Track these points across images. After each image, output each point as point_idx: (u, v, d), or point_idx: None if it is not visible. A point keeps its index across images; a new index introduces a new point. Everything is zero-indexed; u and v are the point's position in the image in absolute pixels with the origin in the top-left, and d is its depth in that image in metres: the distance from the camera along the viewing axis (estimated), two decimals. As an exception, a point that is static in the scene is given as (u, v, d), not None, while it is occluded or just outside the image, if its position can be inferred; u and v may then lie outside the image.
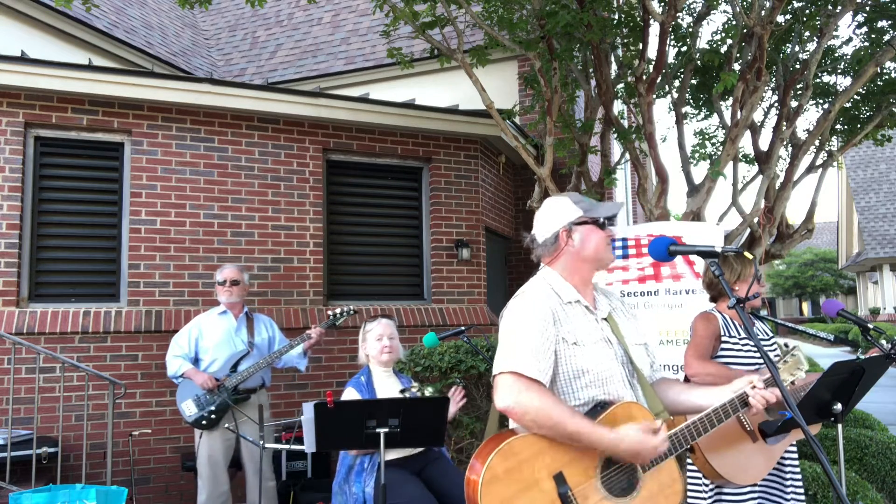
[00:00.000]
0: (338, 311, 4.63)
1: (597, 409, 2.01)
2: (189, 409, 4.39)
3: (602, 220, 2.17)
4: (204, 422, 4.36)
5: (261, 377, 4.62)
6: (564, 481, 1.88)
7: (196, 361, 4.54)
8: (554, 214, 2.21)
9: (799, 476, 3.23)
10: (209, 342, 4.54)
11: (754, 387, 2.11)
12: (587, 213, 2.17)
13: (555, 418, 1.89)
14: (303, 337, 4.62)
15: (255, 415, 4.48)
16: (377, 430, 3.03)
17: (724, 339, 3.22)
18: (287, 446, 4.24)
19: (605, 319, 2.18)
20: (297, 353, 4.67)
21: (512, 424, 2.07)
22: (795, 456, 3.25)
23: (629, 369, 2.14)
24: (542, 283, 2.17)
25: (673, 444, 2.04)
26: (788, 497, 3.14)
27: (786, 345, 2.39)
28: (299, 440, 3.68)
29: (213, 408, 4.36)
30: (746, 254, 2.52)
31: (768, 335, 3.36)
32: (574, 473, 1.90)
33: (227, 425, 4.36)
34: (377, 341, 3.68)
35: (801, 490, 3.21)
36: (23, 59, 5.43)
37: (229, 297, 4.64)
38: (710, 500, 3.12)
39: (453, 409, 3.63)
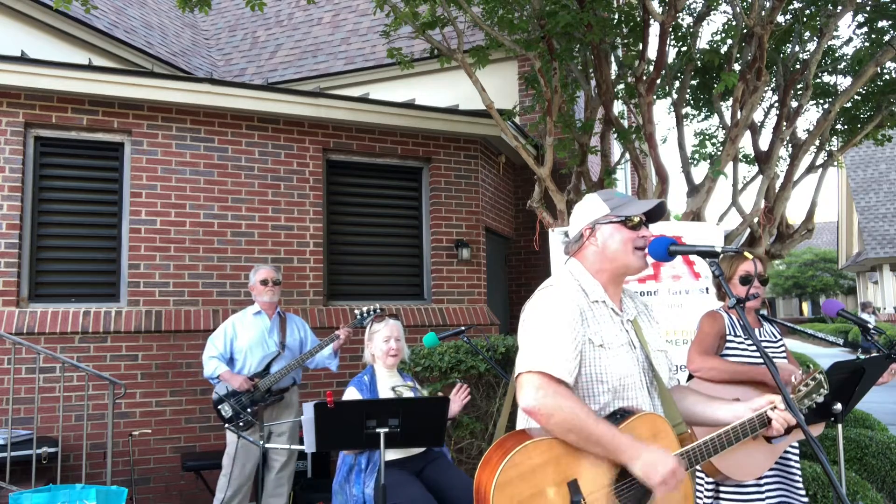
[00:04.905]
0: (364, 309, 4.63)
1: (616, 417, 1.96)
2: (226, 410, 4.44)
3: (625, 218, 2.05)
4: (241, 423, 4.40)
5: (292, 377, 4.69)
6: (578, 490, 1.83)
7: (230, 361, 4.59)
8: (581, 212, 2.15)
9: (800, 476, 3.24)
10: (243, 343, 4.60)
11: (775, 407, 2.05)
12: (614, 210, 2.08)
13: (580, 422, 1.83)
14: (331, 337, 4.67)
15: (290, 415, 4.57)
16: (377, 430, 3.03)
17: (729, 338, 3.22)
18: (287, 446, 4.25)
19: (631, 322, 2.12)
20: (327, 353, 4.73)
21: (523, 424, 2.03)
22: (797, 455, 3.25)
23: (649, 376, 2.09)
24: (568, 277, 2.08)
25: (690, 460, 1.99)
26: (798, 497, 3.14)
27: (807, 367, 2.39)
28: (300, 440, 3.68)
29: (249, 409, 4.42)
30: (746, 254, 2.52)
31: (776, 337, 3.35)
32: (588, 482, 1.85)
33: (228, 426, 4.38)
34: (384, 343, 3.67)
35: (802, 490, 3.21)
36: (23, 59, 5.43)
37: (272, 296, 4.71)
38: (709, 500, 3.12)
39: (457, 406, 3.62)
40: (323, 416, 3.08)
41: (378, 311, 4.77)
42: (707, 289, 4.67)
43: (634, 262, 2.07)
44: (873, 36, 6.27)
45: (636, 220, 2.06)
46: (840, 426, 3.27)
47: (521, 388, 1.91)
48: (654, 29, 5.62)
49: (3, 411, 4.87)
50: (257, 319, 4.70)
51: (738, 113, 5.58)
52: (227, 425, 4.41)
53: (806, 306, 43.43)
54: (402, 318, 6.08)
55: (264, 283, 4.70)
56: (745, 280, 3.23)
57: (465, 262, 6.62)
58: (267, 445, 4.10)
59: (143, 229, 5.53)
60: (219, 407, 4.47)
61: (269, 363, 4.58)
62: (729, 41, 6.45)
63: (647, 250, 2.09)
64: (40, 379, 4.86)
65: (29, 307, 5.22)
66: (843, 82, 6.87)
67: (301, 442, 4.49)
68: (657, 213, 2.11)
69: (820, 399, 2.28)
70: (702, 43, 15.20)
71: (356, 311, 4.71)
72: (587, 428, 1.83)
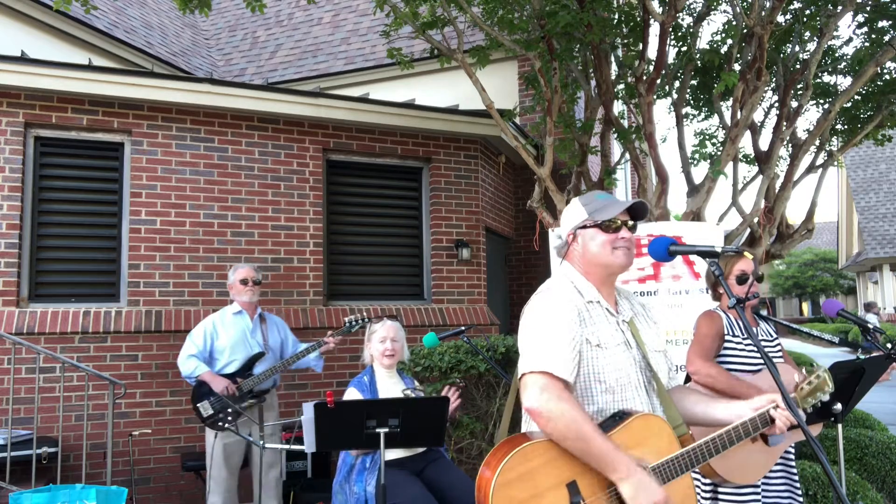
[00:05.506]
0: (352, 317, 4.63)
1: (615, 419, 1.96)
2: (206, 409, 4.38)
3: (603, 222, 2.07)
4: (221, 423, 4.32)
5: (273, 378, 4.65)
6: (578, 491, 1.83)
7: (210, 361, 4.53)
8: (565, 218, 2.20)
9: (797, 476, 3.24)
10: (224, 342, 4.54)
11: (777, 406, 2.04)
12: (591, 215, 2.11)
13: (579, 433, 1.83)
14: (319, 342, 4.65)
15: (272, 417, 4.55)
16: (377, 430, 3.03)
17: (727, 338, 3.22)
18: (287, 446, 4.24)
19: (627, 323, 2.13)
20: (314, 356, 4.70)
21: (525, 426, 2.04)
22: (794, 456, 3.25)
23: (647, 376, 2.09)
24: (564, 280, 2.12)
25: (691, 459, 1.99)
26: (797, 497, 3.14)
27: (811, 365, 2.38)
28: (299, 440, 3.68)
29: (230, 409, 4.34)
30: (747, 253, 2.51)
31: (772, 336, 3.35)
32: (588, 484, 1.86)
33: (227, 425, 4.36)
34: (380, 343, 3.71)
35: (800, 491, 3.22)
36: (23, 59, 5.43)
37: (252, 296, 4.65)
38: (707, 501, 3.12)
39: (451, 407, 3.63)
40: (323, 416, 3.08)
41: (365, 319, 4.74)
42: (707, 289, 4.67)
43: (615, 260, 2.08)
44: (873, 36, 6.27)
45: (618, 222, 2.08)
46: (840, 426, 3.27)
47: (525, 388, 1.93)
48: (654, 29, 5.62)
49: (3, 411, 4.87)
50: (238, 319, 4.63)
51: (738, 113, 5.58)
52: (226, 425, 4.38)
53: (806, 306, 43.43)
54: (402, 318, 6.12)
55: (244, 282, 4.62)
56: (742, 279, 3.23)
57: (465, 262, 6.62)
58: (268, 446, 4.09)
59: (143, 229, 5.53)
60: (198, 406, 4.38)
61: (252, 364, 4.53)
62: (729, 41, 6.45)
63: (633, 249, 2.09)
64: (40, 379, 4.86)
65: (29, 307, 5.22)
66: (843, 82, 6.87)
67: (285, 442, 4.50)
68: (639, 212, 2.12)
69: (825, 398, 2.28)
70: (702, 43, 15.21)
71: (345, 319, 4.72)
72: (585, 440, 1.84)
